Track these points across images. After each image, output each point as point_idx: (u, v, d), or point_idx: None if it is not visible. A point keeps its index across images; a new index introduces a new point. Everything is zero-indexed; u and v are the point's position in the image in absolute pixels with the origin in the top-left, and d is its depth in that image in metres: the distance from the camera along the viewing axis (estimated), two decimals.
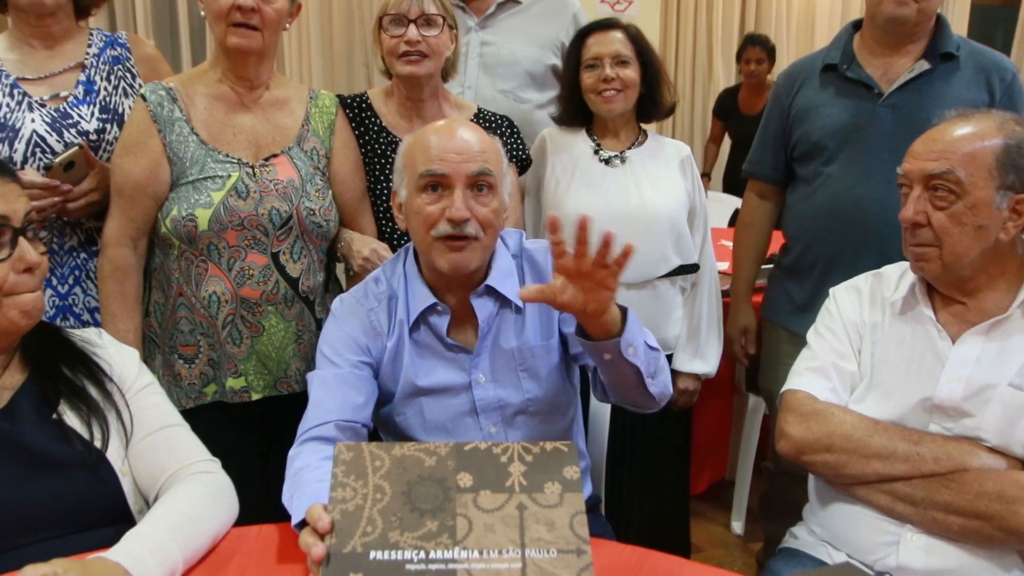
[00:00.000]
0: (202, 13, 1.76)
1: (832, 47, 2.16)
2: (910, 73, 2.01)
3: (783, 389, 1.63)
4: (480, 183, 1.46)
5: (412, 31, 1.91)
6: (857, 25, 2.13)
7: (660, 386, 1.46)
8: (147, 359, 1.81)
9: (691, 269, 2.21)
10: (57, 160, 1.75)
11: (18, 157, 1.79)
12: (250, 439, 1.85)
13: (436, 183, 1.45)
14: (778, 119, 2.23)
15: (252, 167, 1.76)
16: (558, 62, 2.49)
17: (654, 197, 2.13)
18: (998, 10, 5.91)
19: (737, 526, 2.94)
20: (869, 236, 1.99)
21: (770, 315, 2.32)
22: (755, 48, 4.79)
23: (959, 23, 5.35)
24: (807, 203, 2.16)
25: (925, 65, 2.00)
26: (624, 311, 1.36)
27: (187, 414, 1.46)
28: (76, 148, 1.77)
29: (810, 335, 1.67)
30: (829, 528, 1.57)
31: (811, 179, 2.14)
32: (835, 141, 2.07)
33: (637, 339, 1.37)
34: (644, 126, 2.27)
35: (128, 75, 1.95)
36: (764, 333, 2.37)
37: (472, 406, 1.54)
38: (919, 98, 1.98)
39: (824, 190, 2.10)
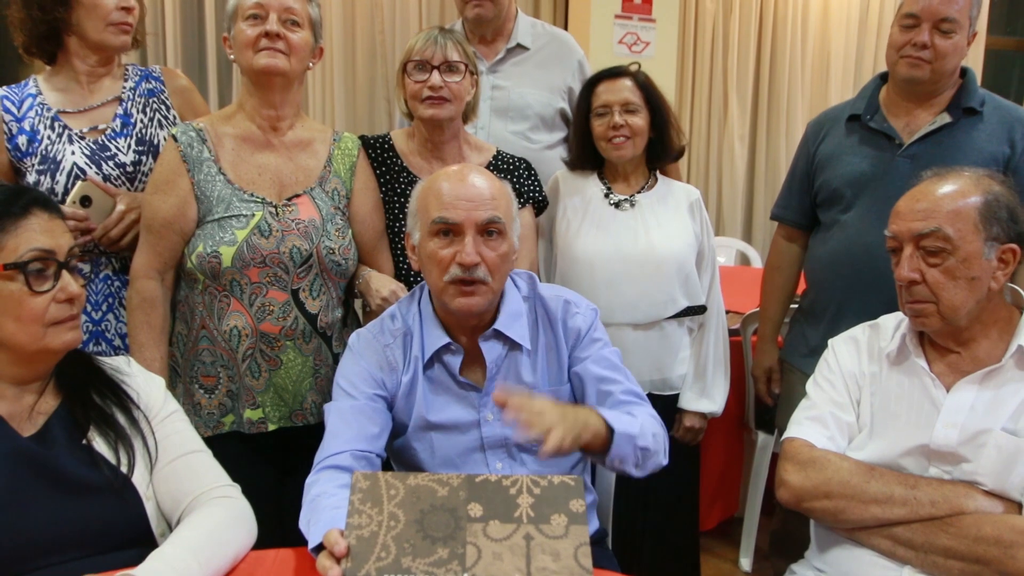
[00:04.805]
0: (231, 56, 1.84)
1: (858, 98, 2.21)
2: (931, 125, 2.04)
3: (783, 438, 1.66)
4: (490, 229, 1.52)
5: (435, 77, 1.97)
6: (885, 77, 2.18)
7: (648, 469, 1.52)
8: (169, 387, 1.83)
9: (698, 311, 2.24)
10: (68, 200, 1.83)
11: (59, 188, 1.87)
12: (265, 468, 1.89)
13: (448, 229, 1.51)
14: (804, 165, 2.28)
15: (275, 206, 1.82)
16: (566, 106, 2.56)
17: (662, 240, 2.17)
18: (1013, 55, 5.94)
19: (745, 563, 2.94)
20: (879, 282, 2.00)
21: (787, 357, 2.36)
22: None
23: (973, 68, 5.40)
24: (822, 248, 2.21)
25: (947, 118, 2.04)
26: (612, 431, 1.42)
27: (205, 442, 1.50)
28: (82, 183, 1.84)
29: (809, 385, 1.71)
30: (831, 565, 1.59)
31: (830, 225, 2.19)
32: (853, 189, 2.11)
33: (624, 451, 1.43)
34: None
35: (163, 107, 2.03)
36: (783, 374, 2.40)
37: (480, 442, 1.59)
38: (939, 150, 2.01)
39: (838, 236, 2.14)
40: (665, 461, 1.55)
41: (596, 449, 1.42)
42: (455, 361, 1.59)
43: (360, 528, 1.15)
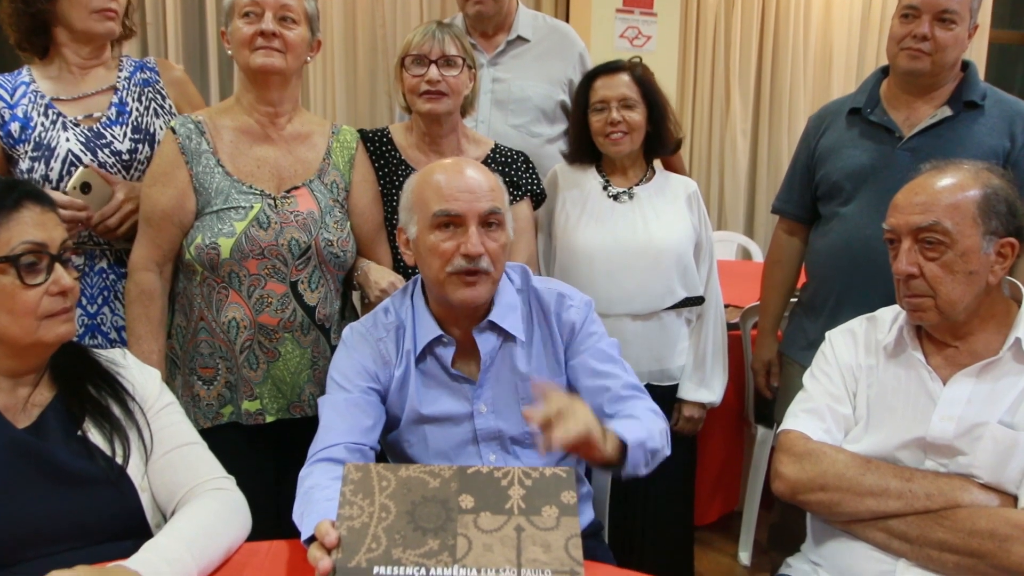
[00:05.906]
0: (229, 52, 1.84)
1: (859, 91, 2.20)
2: (932, 119, 2.04)
3: (778, 430, 1.66)
4: (491, 220, 1.53)
5: (433, 71, 1.98)
6: (886, 71, 2.18)
7: (653, 466, 1.50)
8: (168, 380, 1.86)
9: (696, 302, 2.25)
10: (68, 186, 1.83)
11: (54, 175, 1.87)
12: (263, 459, 1.90)
13: (450, 222, 1.51)
14: (805, 159, 2.28)
15: (274, 199, 1.82)
16: (566, 98, 2.56)
17: (660, 232, 2.18)
18: (1017, 48, 5.91)
19: (744, 557, 2.95)
20: (878, 275, 1.99)
21: (786, 350, 2.36)
22: None
23: (977, 62, 5.36)
24: (822, 241, 2.21)
25: (948, 111, 2.04)
26: (625, 447, 1.40)
27: (204, 434, 1.50)
28: (83, 169, 1.85)
29: (806, 378, 1.70)
30: (827, 558, 1.59)
31: (829, 218, 2.19)
32: (853, 182, 2.11)
33: (638, 459, 1.42)
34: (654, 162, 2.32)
35: (159, 97, 2.03)
36: (782, 367, 2.40)
37: (473, 435, 1.59)
38: (939, 143, 2.01)
39: (837, 229, 2.14)
40: (668, 452, 1.55)
41: (613, 461, 1.39)
42: (447, 353, 1.59)
43: (351, 519, 1.15)
